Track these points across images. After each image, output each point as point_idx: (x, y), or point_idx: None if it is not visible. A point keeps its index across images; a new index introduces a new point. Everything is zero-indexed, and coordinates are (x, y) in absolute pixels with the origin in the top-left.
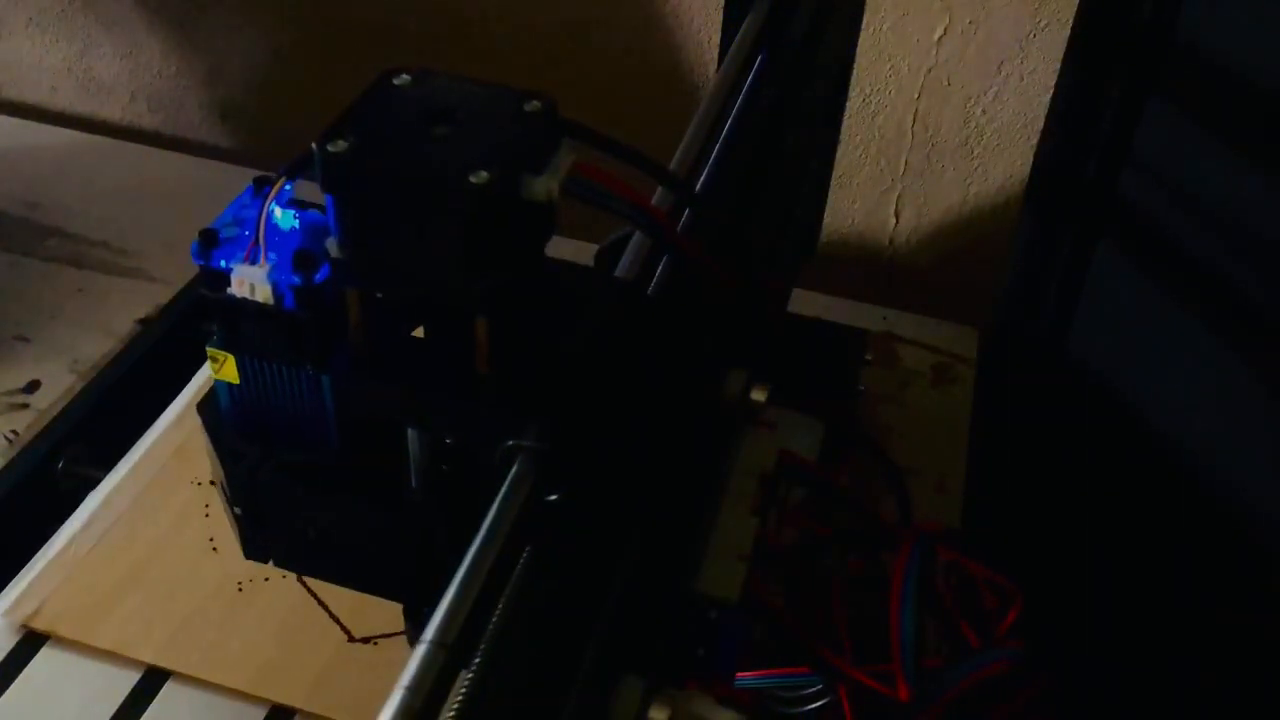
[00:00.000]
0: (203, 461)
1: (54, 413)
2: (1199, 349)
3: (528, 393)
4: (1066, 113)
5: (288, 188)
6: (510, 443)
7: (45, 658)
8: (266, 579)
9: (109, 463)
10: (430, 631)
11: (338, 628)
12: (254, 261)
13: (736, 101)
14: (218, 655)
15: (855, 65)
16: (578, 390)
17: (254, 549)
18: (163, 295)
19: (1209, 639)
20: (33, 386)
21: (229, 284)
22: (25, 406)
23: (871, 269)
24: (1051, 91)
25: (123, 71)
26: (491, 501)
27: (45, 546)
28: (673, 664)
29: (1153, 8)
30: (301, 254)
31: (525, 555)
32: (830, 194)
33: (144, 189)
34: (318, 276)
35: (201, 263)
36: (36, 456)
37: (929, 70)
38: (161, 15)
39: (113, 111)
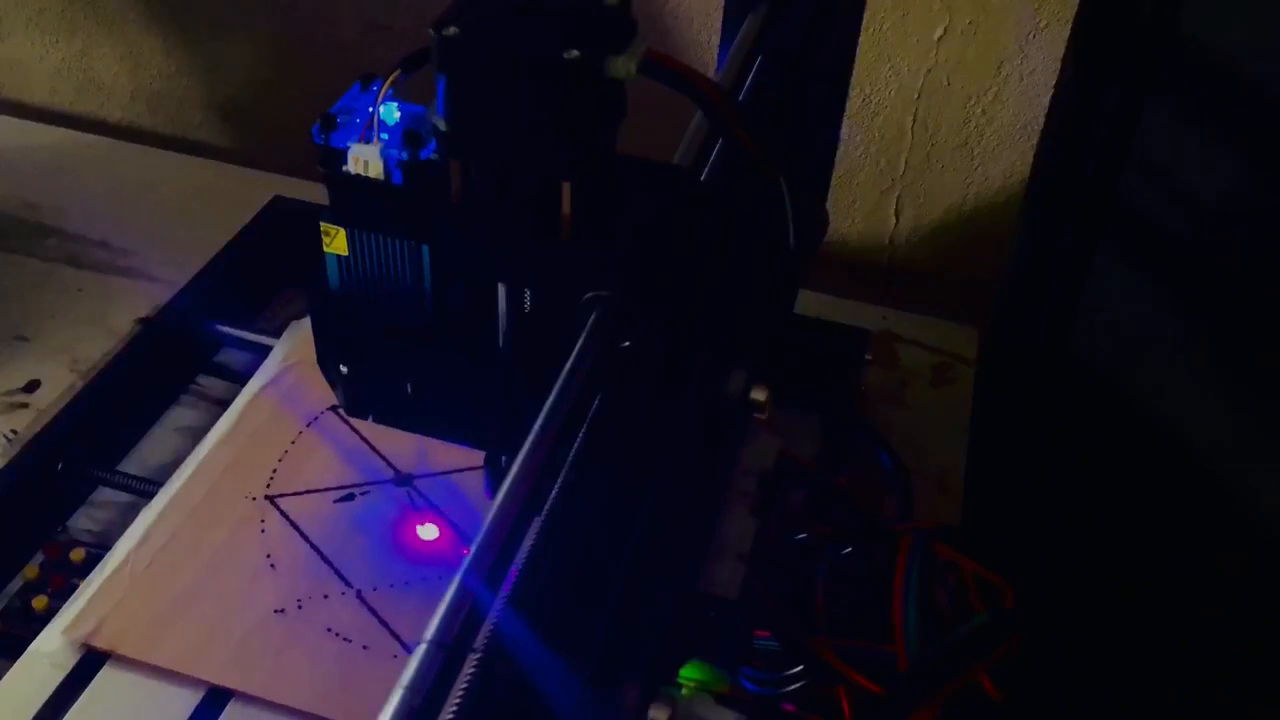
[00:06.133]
0: (257, 476)
1: (54, 413)
2: (1199, 349)
3: (604, 253)
4: (1066, 113)
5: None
6: (591, 294)
7: (107, 677)
8: (326, 596)
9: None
10: (430, 631)
11: (399, 645)
12: (368, 141)
13: None
14: (280, 674)
15: (855, 65)
16: (647, 253)
17: (356, 406)
18: (162, 295)
19: (1205, 634)
20: (33, 386)
21: (344, 163)
22: (25, 406)
23: (871, 269)
24: (1051, 91)
25: (123, 71)
26: (570, 352)
27: (101, 562)
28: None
29: (1153, 8)
30: (409, 132)
31: (597, 402)
32: (830, 194)
33: (144, 189)
34: (423, 152)
35: (321, 142)
36: (36, 456)
37: (929, 70)
38: (161, 15)
39: (113, 111)
